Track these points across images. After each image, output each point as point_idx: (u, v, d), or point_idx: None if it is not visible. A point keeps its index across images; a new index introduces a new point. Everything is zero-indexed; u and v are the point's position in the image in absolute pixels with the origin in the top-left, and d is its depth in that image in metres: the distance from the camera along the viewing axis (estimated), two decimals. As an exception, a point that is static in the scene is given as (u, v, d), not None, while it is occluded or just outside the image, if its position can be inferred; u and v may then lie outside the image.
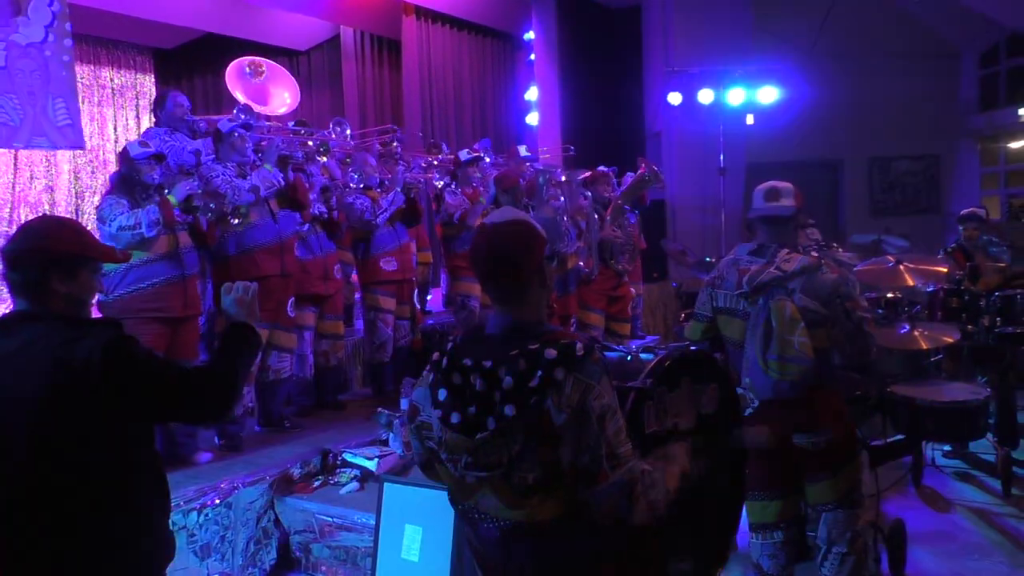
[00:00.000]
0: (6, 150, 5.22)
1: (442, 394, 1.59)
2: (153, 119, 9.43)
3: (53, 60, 4.39)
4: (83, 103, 8.79)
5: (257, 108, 5.51)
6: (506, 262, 1.63)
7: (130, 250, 3.53)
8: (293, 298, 4.45)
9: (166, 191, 3.78)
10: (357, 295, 5.47)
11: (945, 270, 3.68)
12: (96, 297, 1.94)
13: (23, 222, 1.89)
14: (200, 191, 3.89)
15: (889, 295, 4.38)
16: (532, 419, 1.50)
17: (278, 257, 4.26)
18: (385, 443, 4.20)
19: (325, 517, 3.59)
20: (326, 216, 4.77)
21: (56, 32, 4.44)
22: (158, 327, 3.69)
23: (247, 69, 5.88)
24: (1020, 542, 3.67)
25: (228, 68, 5.93)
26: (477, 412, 1.54)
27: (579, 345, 1.53)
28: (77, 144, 4.69)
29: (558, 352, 1.51)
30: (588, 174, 6.09)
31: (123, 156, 3.82)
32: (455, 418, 1.55)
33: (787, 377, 2.57)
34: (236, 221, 4.06)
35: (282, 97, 6.01)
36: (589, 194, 5.63)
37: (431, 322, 6.20)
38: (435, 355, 1.67)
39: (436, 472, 1.78)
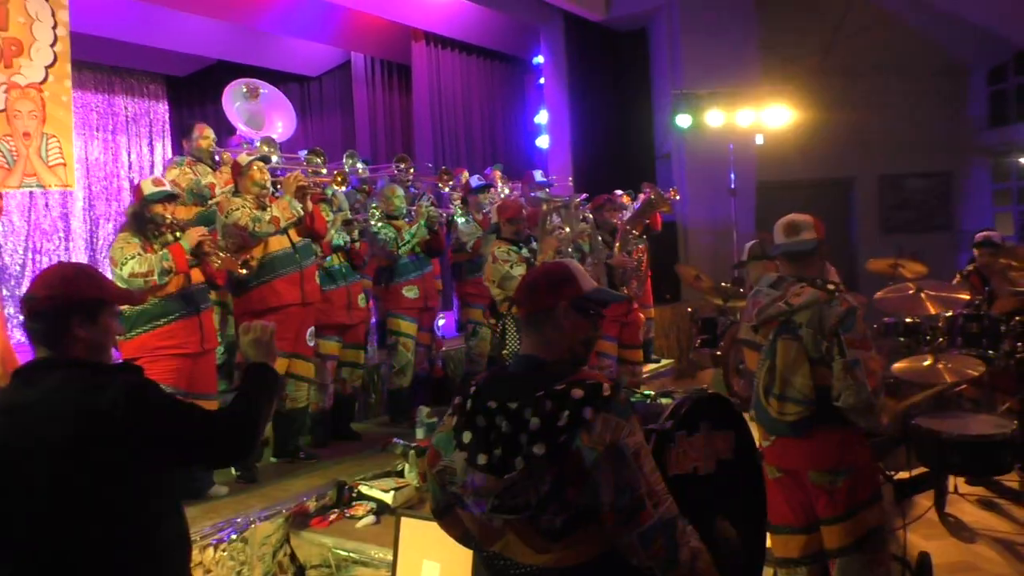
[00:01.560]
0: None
1: (467, 437, 1.59)
2: (167, 147, 9.59)
3: (51, 100, 4.41)
4: (97, 131, 8.90)
5: (252, 133, 5.53)
6: (527, 289, 1.74)
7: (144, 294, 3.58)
8: (313, 327, 4.46)
9: (177, 235, 3.78)
10: (372, 321, 5.48)
11: (967, 296, 3.64)
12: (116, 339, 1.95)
13: (39, 271, 1.90)
14: (210, 235, 3.89)
15: (908, 320, 4.35)
16: (561, 459, 1.49)
17: (298, 286, 4.28)
18: (401, 474, 4.18)
19: (341, 551, 3.56)
20: (348, 246, 4.80)
21: (56, 73, 4.46)
22: (177, 363, 3.69)
23: (244, 90, 5.90)
24: (1048, 574, 3.60)
25: (224, 92, 5.94)
26: (504, 454, 1.53)
27: (605, 385, 1.54)
28: (67, 184, 4.67)
29: (585, 392, 1.52)
30: (584, 196, 6.11)
31: (136, 193, 3.84)
32: (481, 460, 1.55)
33: (786, 417, 2.53)
34: (244, 272, 4.05)
35: (275, 125, 6.02)
36: (590, 216, 5.65)
37: (443, 348, 6.19)
38: (456, 399, 1.67)
39: (453, 519, 1.76)
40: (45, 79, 4.45)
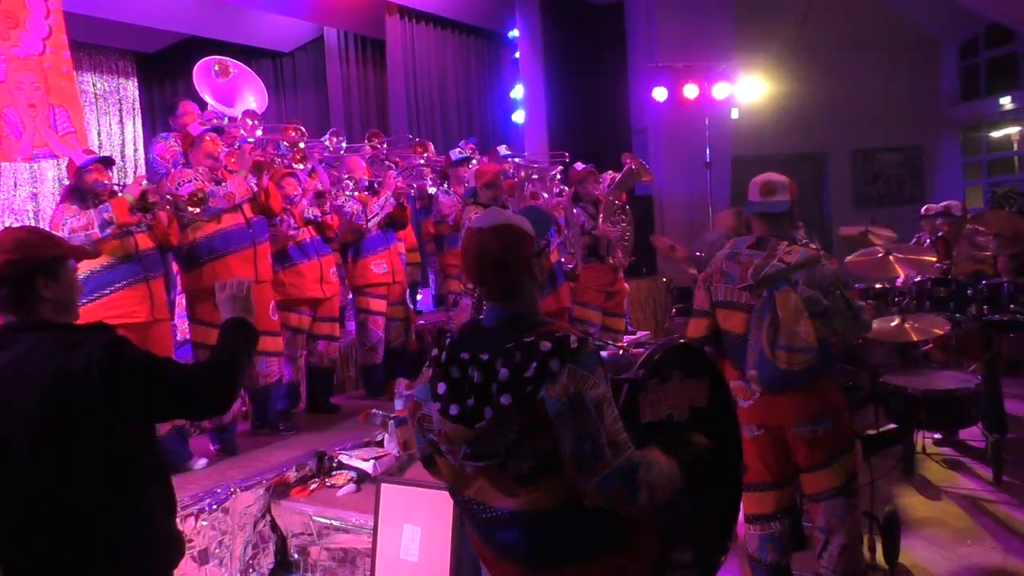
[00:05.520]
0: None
1: (441, 387, 1.63)
2: (137, 124, 9.40)
3: (53, 72, 4.36)
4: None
5: (223, 110, 5.45)
6: (495, 266, 1.67)
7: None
8: (273, 302, 4.42)
9: (119, 192, 3.66)
10: (349, 297, 5.46)
11: (935, 259, 3.72)
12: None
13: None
14: (155, 186, 3.77)
15: (878, 286, 4.43)
16: (527, 408, 1.54)
17: (252, 263, 4.15)
18: (380, 444, 4.21)
19: (322, 519, 3.59)
20: (320, 219, 4.76)
21: (54, 44, 4.42)
22: (125, 334, 3.59)
23: (215, 68, 5.81)
24: (1012, 528, 3.72)
25: (195, 67, 5.84)
26: (475, 404, 1.57)
27: (573, 337, 1.57)
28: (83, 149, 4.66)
29: (553, 344, 1.55)
30: (560, 169, 6.18)
31: (70, 168, 3.69)
32: (454, 410, 1.59)
33: (795, 367, 2.59)
34: (197, 210, 3.88)
35: (247, 101, 5.94)
36: (565, 188, 5.69)
37: (422, 322, 6.21)
38: (434, 351, 1.70)
39: (437, 466, 1.81)
40: (43, 51, 4.42)
